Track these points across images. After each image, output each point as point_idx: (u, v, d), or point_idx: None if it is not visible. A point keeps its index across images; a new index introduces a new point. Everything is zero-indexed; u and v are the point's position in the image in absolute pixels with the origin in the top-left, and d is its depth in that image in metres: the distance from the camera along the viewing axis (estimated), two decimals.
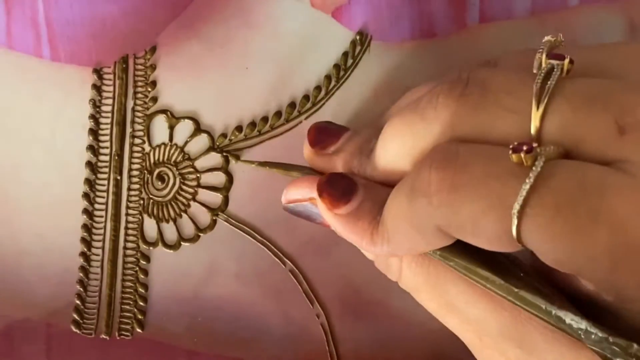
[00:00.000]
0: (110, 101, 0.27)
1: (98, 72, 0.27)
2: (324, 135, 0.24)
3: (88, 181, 0.27)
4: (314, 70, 0.27)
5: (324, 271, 0.27)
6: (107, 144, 0.27)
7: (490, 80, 0.19)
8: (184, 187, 0.27)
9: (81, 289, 0.27)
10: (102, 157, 0.27)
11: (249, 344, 0.27)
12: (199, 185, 0.27)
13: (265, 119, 0.27)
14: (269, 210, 0.27)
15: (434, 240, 0.19)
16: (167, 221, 0.27)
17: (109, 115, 0.27)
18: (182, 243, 0.27)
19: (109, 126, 0.27)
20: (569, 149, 0.17)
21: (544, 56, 0.19)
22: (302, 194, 0.23)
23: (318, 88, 0.27)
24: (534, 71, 0.19)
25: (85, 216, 0.27)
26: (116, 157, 0.27)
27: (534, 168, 0.16)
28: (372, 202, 0.21)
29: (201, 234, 0.27)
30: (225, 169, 0.27)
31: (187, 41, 0.27)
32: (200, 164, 0.27)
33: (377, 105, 0.27)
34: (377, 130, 0.22)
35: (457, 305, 0.20)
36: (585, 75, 0.18)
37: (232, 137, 0.27)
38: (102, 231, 0.27)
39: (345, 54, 0.27)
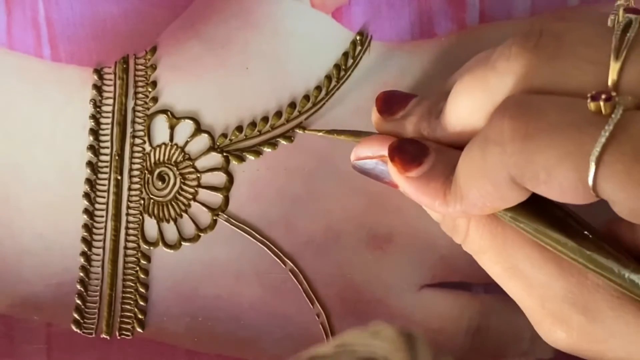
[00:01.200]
0: (110, 101, 0.27)
1: (99, 72, 0.27)
2: (391, 101, 0.24)
3: (89, 181, 0.27)
4: (314, 70, 0.27)
5: (324, 271, 0.27)
6: (108, 144, 0.27)
7: (565, 32, 0.18)
8: (185, 187, 0.27)
9: (82, 289, 0.27)
10: (102, 157, 0.27)
11: (249, 344, 0.27)
12: (199, 185, 0.27)
13: (265, 119, 0.27)
14: (270, 211, 0.27)
15: (508, 193, 0.19)
16: (168, 221, 0.27)
17: (110, 115, 0.27)
18: (182, 243, 0.27)
19: (109, 126, 0.27)
20: None
21: (621, 11, 0.18)
22: (373, 151, 0.23)
23: (318, 88, 0.27)
24: (611, 20, 0.19)
25: (85, 216, 0.27)
26: (117, 157, 0.27)
27: (612, 116, 0.16)
28: (444, 163, 0.21)
29: (201, 234, 0.27)
30: (225, 169, 0.27)
31: (188, 41, 0.27)
32: (200, 164, 0.27)
33: None
34: (445, 94, 0.22)
35: (523, 269, 0.20)
36: None
37: (233, 137, 0.27)
38: (102, 231, 0.27)
39: (345, 54, 0.27)
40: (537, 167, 0.17)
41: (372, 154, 0.23)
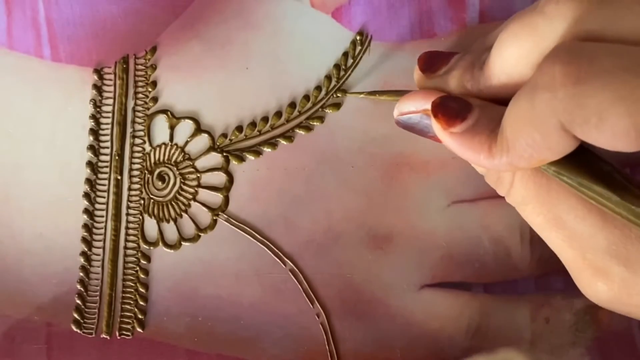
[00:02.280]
0: (110, 101, 0.27)
1: (99, 72, 0.27)
2: (434, 59, 0.24)
3: (89, 181, 0.27)
4: (314, 70, 0.27)
5: (324, 271, 0.27)
6: (108, 144, 0.27)
7: None
8: (185, 187, 0.27)
9: (82, 289, 0.27)
10: (102, 157, 0.27)
11: (249, 343, 0.27)
12: (199, 185, 0.27)
13: (265, 119, 0.27)
14: (269, 210, 0.27)
15: (556, 142, 0.18)
16: (168, 221, 0.27)
17: (110, 115, 0.27)
18: (182, 243, 0.27)
19: (109, 126, 0.27)
20: None
21: None
22: (416, 105, 0.23)
23: (318, 88, 0.27)
24: None
25: (86, 216, 0.27)
26: (117, 157, 0.27)
27: None
28: (488, 118, 0.21)
29: (201, 234, 0.27)
30: (225, 169, 0.27)
31: (188, 42, 0.27)
32: (200, 164, 0.27)
33: (377, 105, 0.27)
34: (488, 47, 0.21)
35: (566, 219, 0.20)
36: None
37: (233, 137, 0.27)
38: (102, 231, 0.27)
39: (345, 54, 0.27)
40: (589, 111, 0.17)
41: (415, 109, 0.23)
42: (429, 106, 0.22)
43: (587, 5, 0.18)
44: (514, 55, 0.20)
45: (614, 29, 0.17)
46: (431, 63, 0.24)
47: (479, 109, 0.21)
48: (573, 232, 0.20)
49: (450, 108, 0.21)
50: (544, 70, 0.18)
